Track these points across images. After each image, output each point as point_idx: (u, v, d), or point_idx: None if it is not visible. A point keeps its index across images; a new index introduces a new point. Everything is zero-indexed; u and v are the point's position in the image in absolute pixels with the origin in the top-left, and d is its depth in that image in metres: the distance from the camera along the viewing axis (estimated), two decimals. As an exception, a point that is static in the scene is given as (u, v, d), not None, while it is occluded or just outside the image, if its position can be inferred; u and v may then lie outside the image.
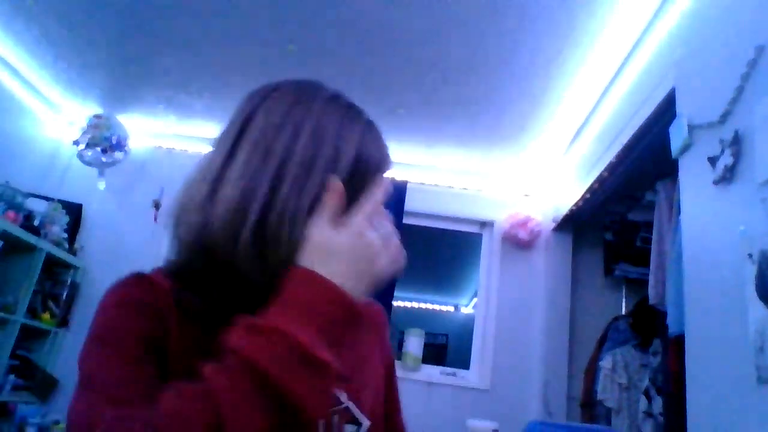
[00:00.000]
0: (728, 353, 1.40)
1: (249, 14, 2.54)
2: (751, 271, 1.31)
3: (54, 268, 3.41)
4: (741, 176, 1.43)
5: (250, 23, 2.61)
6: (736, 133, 1.46)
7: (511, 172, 3.70)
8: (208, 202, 0.63)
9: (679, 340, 1.75)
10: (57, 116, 3.73)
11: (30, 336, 3.24)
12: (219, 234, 0.61)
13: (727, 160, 1.48)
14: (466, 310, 6.86)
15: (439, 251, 4.95)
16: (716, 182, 1.53)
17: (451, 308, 7.28)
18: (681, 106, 1.85)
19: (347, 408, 0.70)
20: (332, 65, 2.84)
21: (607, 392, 2.72)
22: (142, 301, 0.64)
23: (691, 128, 1.72)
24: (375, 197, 0.63)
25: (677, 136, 1.79)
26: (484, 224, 3.74)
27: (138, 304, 0.64)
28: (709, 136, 1.61)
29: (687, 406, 1.57)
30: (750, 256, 1.32)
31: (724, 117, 1.53)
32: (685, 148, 1.76)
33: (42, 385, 3.21)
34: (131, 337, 0.62)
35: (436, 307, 7.28)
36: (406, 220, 3.55)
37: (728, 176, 1.48)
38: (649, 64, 2.25)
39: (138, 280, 0.67)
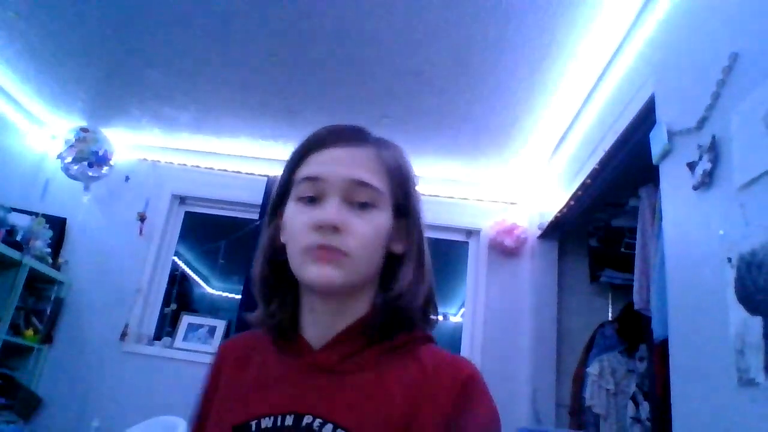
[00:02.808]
0: (710, 356, 1.41)
1: (233, 27, 2.54)
2: (730, 274, 1.32)
3: (37, 284, 3.37)
4: (719, 181, 1.45)
5: (234, 36, 2.61)
6: (714, 138, 1.48)
7: (496, 180, 3.72)
8: None
9: (664, 345, 1.76)
10: (40, 130, 3.70)
11: (12, 353, 3.19)
12: None
13: (705, 165, 1.50)
14: (455, 318, 6.85)
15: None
16: (696, 187, 1.55)
17: (439, 317, 7.27)
18: (661, 113, 1.88)
19: None
20: (316, 76, 2.85)
21: (594, 398, 2.73)
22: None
23: (671, 134, 1.75)
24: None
25: (657, 142, 1.82)
26: (471, 232, 3.75)
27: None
28: (688, 142, 1.63)
29: (672, 410, 1.58)
30: (729, 260, 1.33)
31: (702, 123, 1.56)
32: (665, 154, 1.78)
33: (25, 404, 3.16)
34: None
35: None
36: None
37: (707, 181, 1.50)
38: (629, 72, 2.28)
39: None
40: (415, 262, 0.78)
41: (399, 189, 0.78)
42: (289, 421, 0.68)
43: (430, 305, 0.81)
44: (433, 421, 0.67)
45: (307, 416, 0.67)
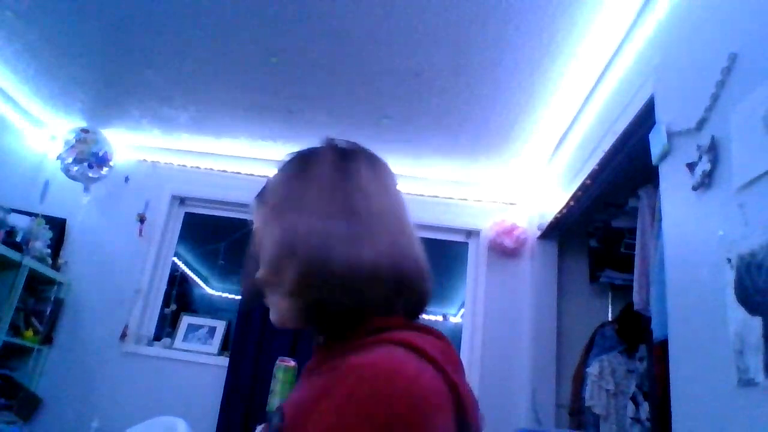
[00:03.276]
0: (710, 357, 1.41)
1: (232, 27, 2.54)
2: (730, 275, 1.32)
3: (37, 285, 3.37)
4: (718, 182, 1.45)
5: (233, 36, 2.61)
6: (713, 139, 1.48)
7: (496, 180, 3.72)
8: None
9: (664, 345, 1.76)
10: (39, 130, 3.70)
11: (12, 354, 3.19)
12: None
13: (704, 166, 1.50)
14: (455, 319, 6.86)
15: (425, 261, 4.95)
16: (695, 188, 1.55)
17: (439, 318, 7.28)
18: (660, 113, 1.88)
19: None
20: (316, 76, 2.85)
21: (594, 399, 2.72)
22: None
23: (670, 135, 1.75)
24: None
25: (657, 142, 1.82)
26: (470, 233, 3.75)
27: None
28: (687, 143, 1.63)
29: (671, 411, 1.58)
30: (729, 260, 1.33)
31: (701, 124, 1.56)
32: (665, 155, 1.78)
33: (25, 404, 3.16)
34: None
35: (425, 316, 7.25)
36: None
37: (706, 182, 1.50)
38: (628, 72, 2.28)
39: None
40: (282, 248, 0.75)
41: (265, 201, 0.87)
42: (272, 415, 0.73)
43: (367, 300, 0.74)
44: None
45: (277, 412, 0.72)
